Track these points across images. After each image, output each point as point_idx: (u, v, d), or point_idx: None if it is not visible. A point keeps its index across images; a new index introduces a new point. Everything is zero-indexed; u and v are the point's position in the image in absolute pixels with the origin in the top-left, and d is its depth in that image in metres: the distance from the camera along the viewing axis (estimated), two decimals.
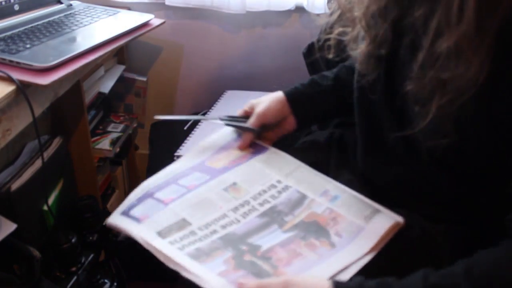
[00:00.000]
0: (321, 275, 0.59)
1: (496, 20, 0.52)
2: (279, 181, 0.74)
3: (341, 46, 0.77)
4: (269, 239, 0.64)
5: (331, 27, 0.76)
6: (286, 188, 0.73)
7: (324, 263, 0.61)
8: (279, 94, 0.85)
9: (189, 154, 0.80)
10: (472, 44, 0.52)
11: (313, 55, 1.11)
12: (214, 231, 0.65)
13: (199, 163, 0.77)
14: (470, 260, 0.55)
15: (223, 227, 0.65)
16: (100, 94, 1.37)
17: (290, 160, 0.78)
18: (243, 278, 0.57)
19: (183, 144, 1.12)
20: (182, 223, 0.65)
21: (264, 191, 0.72)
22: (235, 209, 0.68)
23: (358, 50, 0.71)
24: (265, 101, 0.84)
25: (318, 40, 0.81)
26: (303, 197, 0.71)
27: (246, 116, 0.84)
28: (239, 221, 0.66)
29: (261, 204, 0.70)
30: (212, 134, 0.83)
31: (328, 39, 0.78)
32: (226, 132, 0.83)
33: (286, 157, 0.79)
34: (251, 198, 0.70)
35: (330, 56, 0.78)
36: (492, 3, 0.51)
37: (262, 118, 0.82)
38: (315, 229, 0.66)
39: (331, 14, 0.74)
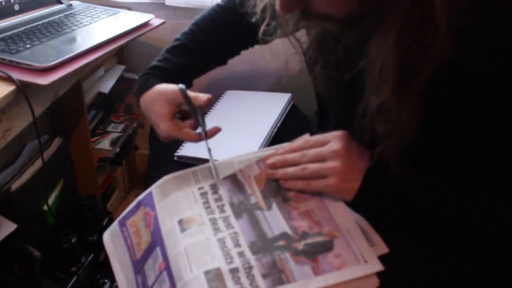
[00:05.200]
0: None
1: (418, 84, 0.52)
2: (201, 188, 0.70)
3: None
4: (277, 224, 0.63)
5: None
6: (214, 186, 0.69)
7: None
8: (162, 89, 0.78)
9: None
10: (393, 104, 0.53)
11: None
12: (232, 257, 0.60)
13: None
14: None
15: (236, 246, 0.61)
16: (100, 94, 1.37)
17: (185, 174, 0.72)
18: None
19: (183, 144, 1.12)
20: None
21: (207, 203, 0.67)
22: (216, 230, 0.63)
23: (315, 73, 0.69)
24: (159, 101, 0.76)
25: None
26: (233, 177, 0.70)
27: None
28: (236, 232, 0.63)
29: (223, 211, 0.66)
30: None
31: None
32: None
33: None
34: (209, 215, 0.65)
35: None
36: (410, 75, 0.52)
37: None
38: (277, 187, 0.68)
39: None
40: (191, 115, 0.75)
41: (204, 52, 0.89)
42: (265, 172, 0.70)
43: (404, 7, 0.48)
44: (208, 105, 1.33)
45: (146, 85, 0.79)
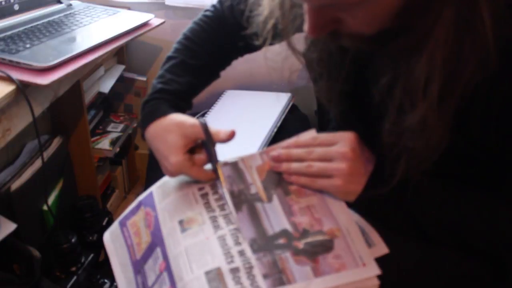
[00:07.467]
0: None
1: (457, 98, 0.51)
2: (201, 188, 0.69)
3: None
4: (277, 219, 0.63)
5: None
6: (214, 186, 0.68)
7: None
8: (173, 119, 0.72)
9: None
10: (434, 120, 0.52)
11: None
12: (233, 256, 0.59)
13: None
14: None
15: (236, 244, 0.61)
16: (100, 94, 1.37)
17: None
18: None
19: None
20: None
21: (207, 203, 0.66)
22: (216, 228, 0.63)
23: (319, 86, 0.69)
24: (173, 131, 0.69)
25: None
26: (234, 165, 0.69)
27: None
28: (236, 229, 0.62)
29: (223, 209, 0.65)
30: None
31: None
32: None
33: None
34: (209, 214, 0.65)
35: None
36: (451, 88, 0.51)
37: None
38: (278, 179, 0.67)
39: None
40: (200, 149, 0.70)
41: (204, 68, 0.84)
42: (268, 164, 0.69)
43: (449, 20, 0.46)
44: (208, 106, 1.34)
45: (157, 113, 0.72)
